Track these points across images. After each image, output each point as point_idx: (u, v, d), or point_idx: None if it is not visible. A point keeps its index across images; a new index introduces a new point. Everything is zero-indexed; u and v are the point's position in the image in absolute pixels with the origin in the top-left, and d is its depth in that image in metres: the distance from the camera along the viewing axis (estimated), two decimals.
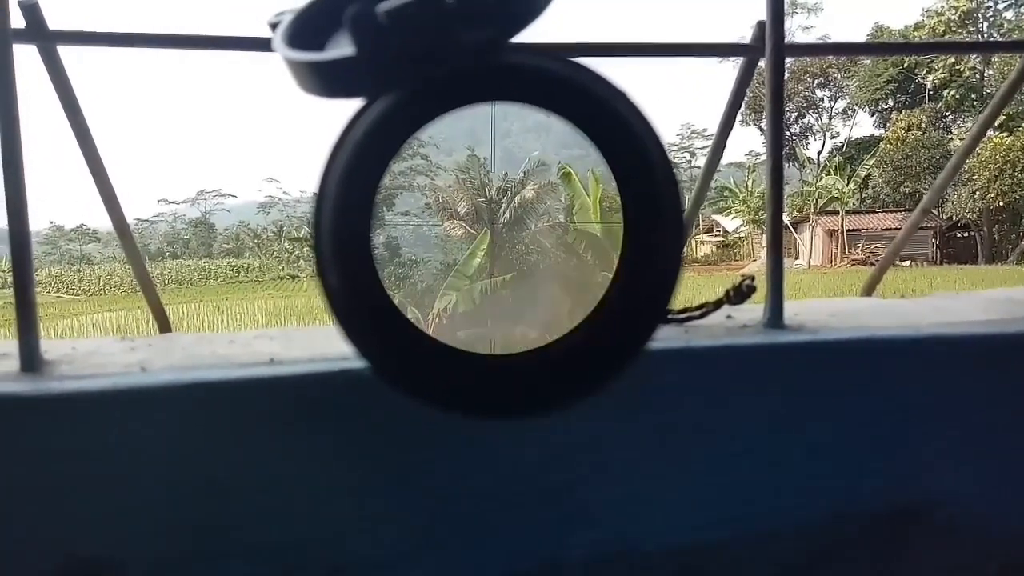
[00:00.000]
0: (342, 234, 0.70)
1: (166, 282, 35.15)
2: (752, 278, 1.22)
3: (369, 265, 0.71)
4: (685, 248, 0.78)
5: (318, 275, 0.72)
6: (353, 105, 0.73)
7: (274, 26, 0.81)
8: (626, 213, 0.71)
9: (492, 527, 1.07)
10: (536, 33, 0.80)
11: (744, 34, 1.42)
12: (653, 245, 0.72)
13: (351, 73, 0.70)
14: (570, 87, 0.71)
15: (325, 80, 0.73)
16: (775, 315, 1.23)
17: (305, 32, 0.78)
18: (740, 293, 1.21)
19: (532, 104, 0.70)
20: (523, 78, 0.71)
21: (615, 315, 0.74)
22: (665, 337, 1.15)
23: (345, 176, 0.70)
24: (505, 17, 0.70)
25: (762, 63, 1.29)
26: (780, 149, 1.30)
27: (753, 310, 1.28)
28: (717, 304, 1.23)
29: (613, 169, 0.70)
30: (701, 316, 1.24)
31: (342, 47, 0.70)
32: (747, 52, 1.32)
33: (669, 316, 1.24)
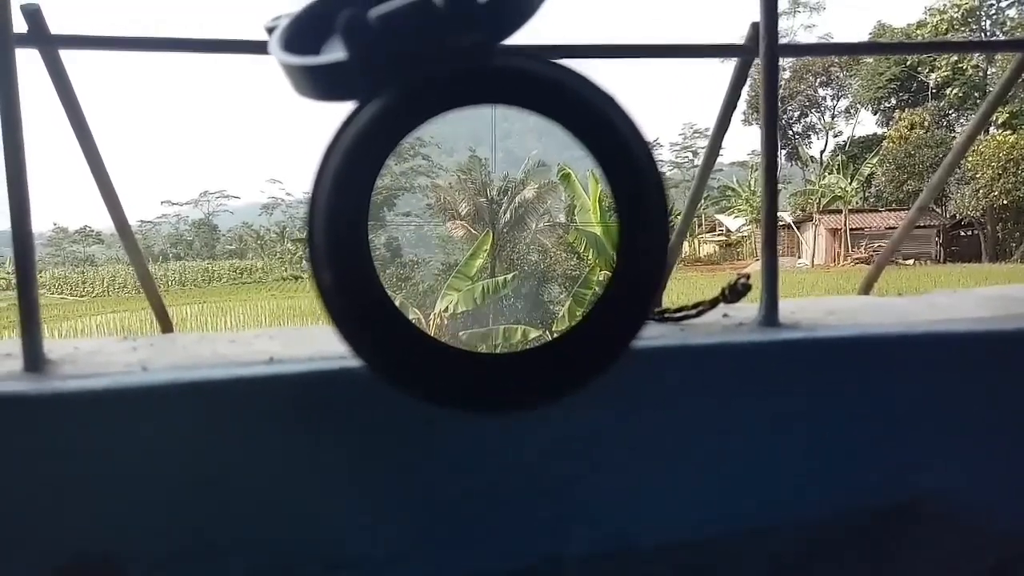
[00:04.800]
0: (337, 234, 0.71)
1: (169, 284, 35.27)
2: (748, 276, 1.24)
3: (367, 263, 0.72)
4: (671, 246, 0.79)
5: (312, 272, 0.73)
6: (347, 108, 0.74)
7: (270, 30, 0.82)
8: (616, 210, 0.72)
9: (491, 524, 1.08)
10: (530, 35, 0.82)
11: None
12: (638, 243, 0.73)
13: (344, 77, 0.71)
14: (556, 90, 0.72)
15: (318, 84, 0.74)
16: (770, 313, 1.24)
17: (301, 36, 0.80)
18: (735, 291, 1.22)
19: (520, 106, 0.71)
20: (510, 81, 0.72)
21: (604, 312, 0.75)
22: (662, 335, 1.16)
23: (338, 179, 0.71)
24: (495, 21, 0.71)
25: (757, 63, 1.29)
26: (774, 148, 1.31)
27: (750, 308, 1.29)
28: (713, 302, 1.25)
29: (601, 168, 0.72)
30: (698, 315, 1.26)
31: (336, 51, 0.71)
32: (741, 53, 1.33)
33: (666, 315, 1.26)
